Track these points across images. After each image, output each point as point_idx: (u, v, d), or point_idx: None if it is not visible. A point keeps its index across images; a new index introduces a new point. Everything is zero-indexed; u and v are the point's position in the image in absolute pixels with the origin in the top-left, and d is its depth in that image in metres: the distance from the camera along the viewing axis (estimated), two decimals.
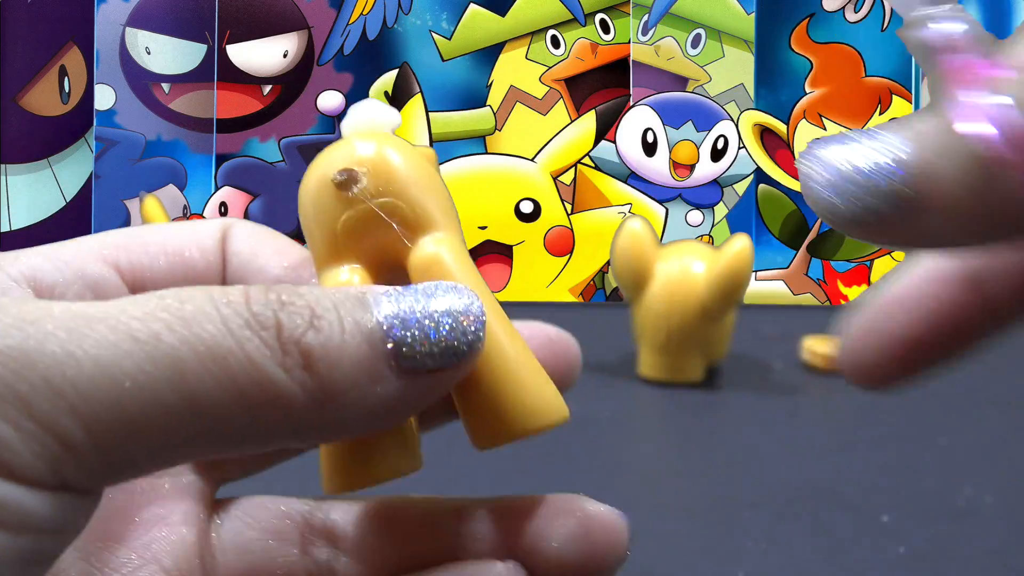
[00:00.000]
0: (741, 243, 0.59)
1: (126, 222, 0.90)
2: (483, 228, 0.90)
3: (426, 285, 0.19)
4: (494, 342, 0.20)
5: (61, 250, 0.21)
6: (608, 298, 0.90)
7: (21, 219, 0.92)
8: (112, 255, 0.22)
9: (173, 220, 0.80)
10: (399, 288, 0.18)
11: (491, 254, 0.90)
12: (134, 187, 0.90)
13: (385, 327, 0.17)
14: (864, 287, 0.91)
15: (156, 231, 0.23)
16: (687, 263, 0.61)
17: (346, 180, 0.21)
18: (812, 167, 0.17)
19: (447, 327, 0.18)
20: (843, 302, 0.91)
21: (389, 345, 0.17)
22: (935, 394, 0.62)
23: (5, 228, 0.92)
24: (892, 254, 0.92)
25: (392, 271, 0.21)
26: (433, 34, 0.91)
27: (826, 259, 0.91)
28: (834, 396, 0.62)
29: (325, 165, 0.21)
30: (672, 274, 0.61)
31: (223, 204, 0.91)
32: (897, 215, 0.17)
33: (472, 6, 0.91)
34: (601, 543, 0.22)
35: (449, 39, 0.91)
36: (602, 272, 0.90)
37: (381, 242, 0.21)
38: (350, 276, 0.21)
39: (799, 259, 0.91)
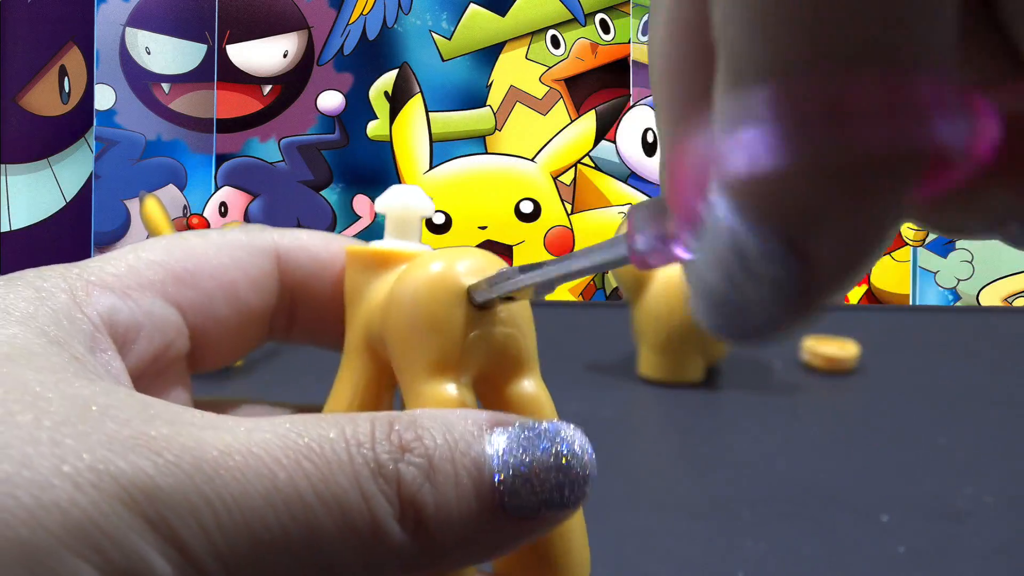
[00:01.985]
0: None
1: (126, 222, 0.90)
2: (483, 228, 0.90)
3: (541, 426, 0.18)
4: None
5: (131, 284, 0.21)
6: (608, 298, 0.90)
7: (21, 219, 0.92)
8: (174, 294, 0.22)
9: (173, 220, 0.80)
10: (514, 422, 0.18)
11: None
12: (134, 187, 0.90)
13: (496, 478, 0.18)
14: (864, 287, 0.92)
15: (207, 256, 0.22)
16: None
17: (489, 302, 0.21)
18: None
19: (558, 479, 0.18)
20: (843, 302, 0.91)
21: (500, 497, 0.18)
22: (935, 394, 0.62)
23: (5, 228, 0.92)
24: (892, 254, 0.92)
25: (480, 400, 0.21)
26: (433, 34, 0.91)
27: None
28: (834, 396, 0.62)
29: (453, 275, 0.21)
30: (672, 274, 0.61)
31: (223, 204, 0.91)
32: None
33: (472, 6, 0.91)
34: None
35: (449, 39, 0.91)
36: (602, 272, 0.90)
37: (484, 372, 0.21)
38: (460, 394, 0.20)
39: None
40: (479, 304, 0.21)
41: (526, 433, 0.18)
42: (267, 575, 0.17)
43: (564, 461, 0.18)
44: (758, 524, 0.44)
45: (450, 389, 0.20)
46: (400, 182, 0.91)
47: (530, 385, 0.22)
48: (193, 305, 0.22)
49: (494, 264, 0.21)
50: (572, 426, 0.19)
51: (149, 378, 0.22)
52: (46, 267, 0.21)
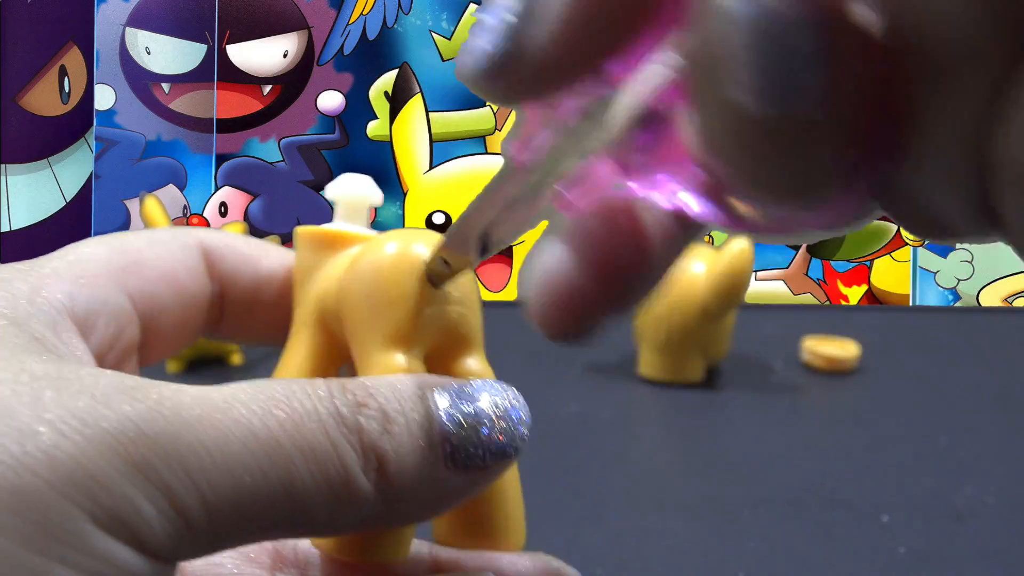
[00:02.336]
0: (741, 243, 0.59)
1: (126, 222, 0.90)
2: None
3: (476, 383, 0.20)
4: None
5: (82, 274, 0.22)
6: None
7: (21, 219, 0.92)
8: (123, 283, 0.22)
9: (173, 220, 0.80)
10: (452, 383, 0.20)
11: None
12: (134, 187, 0.90)
13: (444, 429, 0.19)
14: (864, 287, 0.92)
15: (144, 249, 0.23)
16: (687, 263, 0.61)
17: (442, 277, 0.22)
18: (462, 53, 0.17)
19: (499, 429, 0.20)
20: (843, 302, 0.91)
21: (448, 447, 0.19)
22: (935, 394, 0.62)
23: (5, 228, 0.92)
24: (892, 254, 0.92)
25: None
26: (433, 34, 0.91)
27: (826, 259, 0.91)
28: (834, 396, 0.62)
29: (412, 253, 0.22)
30: (672, 274, 0.61)
31: (223, 204, 0.91)
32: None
33: (472, 6, 0.91)
34: None
35: (449, 39, 0.91)
36: None
37: (436, 346, 0.22)
38: (410, 364, 0.21)
39: (799, 259, 0.91)
40: (433, 282, 0.22)
41: (465, 390, 0.20)
42: (246, 521, 0.17)
43: (501, 413, 0.20)
44: (758, 524, 0.44)
45: (401, 359, 0.21)
46: (400, 182, 0.91)
47: (475, 362, 0.22)
48: (141, 293, 0.23)
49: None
50: (503, 383, 0.20)
51: (108, 365, 0.22)
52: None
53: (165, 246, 0.23)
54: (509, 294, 0.90)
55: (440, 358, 0.22)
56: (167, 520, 0.16)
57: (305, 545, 0.23)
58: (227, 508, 0.17)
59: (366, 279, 0.22)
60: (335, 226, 0.24)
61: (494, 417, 0.20)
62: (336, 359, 0.23)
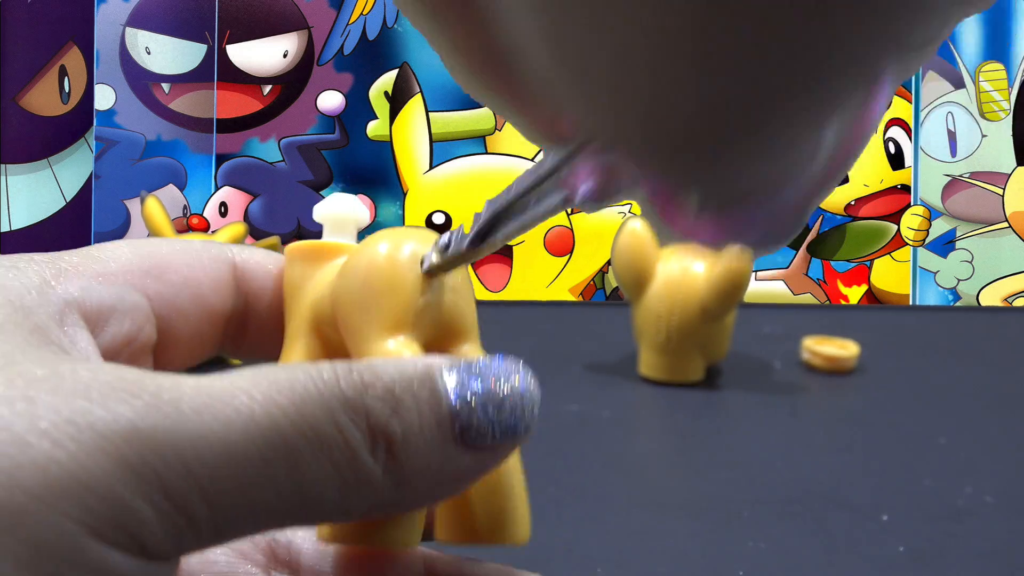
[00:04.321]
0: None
1: (126, 222, 0.90)
2: None
3: (484, 362, 0.20)
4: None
5: (102, 271, 0.22)
6: (608, 298, 0.90)
7: (21, 219, 0.92)
8: (142, 284, 0.22)
9: (173, 220, 0.80)
10: (460, 361, 0.19)
11: (491, 254, 0.90)
12: (134, 187, 0.90)
13: (453, 409, 0.19)
14: (864, 287, 0.92)
15: (170, 255, 0.23)
16: (687, 263, 0.61)
17: (437, 268, 0.22)
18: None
19: (508, 407, 0.19)
20: (843, 302, 0.91)
21: (458, 426, 0.19)
22: (935, 394, 0.62)
23: (5, 228, 0.92)
24: (892, 254, 0.92)
25: None
26: None
27: (826, 259, 0.91)
28: (834, 396, 0.62)
29: (406, 246, 0.22)
30: (672, 274, 0.61)
31: (223, 204, 0.91)
32: None
33: None
34: None
35: None
36: (602, 272, 0.90)
37: (433, 335, 0.22)
38: (410, 350, 0.21)
39: (799, 259, 0.91)
40: (428, 271, 0.22)
41: (473, 368, 0.19)
42: (251, 511, 0.17)
43: (510, 389, 0.19)
44: (758, 524, 0.44)
45: (400, 346, 0.21)
46: (400, 182, 0.91)
47: (472, 349, 0.23)
48: (160, 296, 0.22)
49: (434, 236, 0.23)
50: (511, 358, 0.20)
51: (120, 362, 0.22)
52: (16, 255, 0.21)
53: (193, 256, 0.23)
54: (509, 294, 0.90)
55: (436, 348, 0.22)
56: (167, 519, 0.16)
57: (299, 543, 0.23)
58: (230, 499, 0.17)
59: (361, 272, 0.22)
60: (323, 240, 0.24)
61: (503, 394, 0.19)
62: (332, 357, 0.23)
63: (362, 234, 0.24)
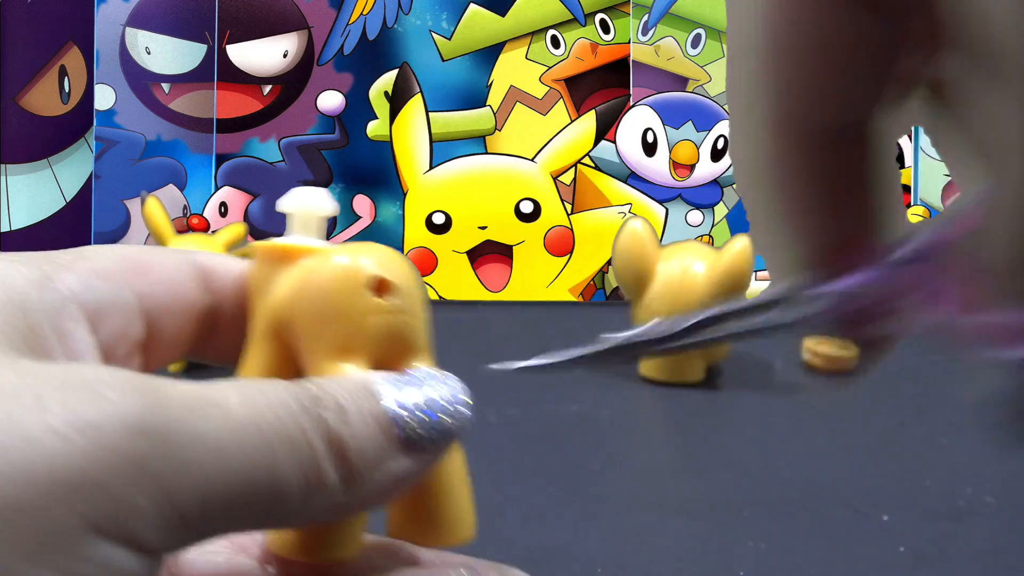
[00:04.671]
0: (742, 243, 0.59)
1: (126, 222, 0.90)
2: (483, 228, 0.90)
3: (418, 374, 0.22)
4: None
5: (97, 269, 0.22)
6: (608, 298, 0.90)
7: (21, 219, 0.93)
8: (132, 282, 0.23)
9: (173, 220, 0.80)
10: (395, 375, 0.22)
11: (491, 254, 0.90)
12: (134, 187, 0.90)
13: (392, 415, 0.21)
14: None
15: (150, 256, 0.24)
16: (688, 263, 0.61)
17: (381, 287, 0.23)
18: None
19: (441, 410, 0.21)
20: None
21: (399, 431, 0.21)
22: (935, 394, 0.62)
23: (5, 228, 0.92)
24: None
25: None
26: (433, 34, 0.91)
27: None
28: (834, 396, 0.62)
29: (354, 267, 0.23)
30: (673, 274, 0.61)
31: (223, 204, 0.91)
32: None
33: (472, 6, 0.91)
34: None
35: (449, 39, 0.91)
36: (602, 272, 0.90)
37: (382, 353, 0.23)
38: (353, 369, 0.22)
39: None
40: (377, 291, 0.23)
41: (406, 378, 0.22)
42: (235, 511, 0.18)
43: (443, 395, 0.22)
44: (758, 524, 0.44)
45: (350, 368, 0.22)
46: (400, 182, 0.91)
47: (422, 364, 0.23)
48: (146, 294, 0.23)
49: (393, 259, 0.23)
50: (441, 370, 0.22)
51: (116, 361, 0.23)
52: (17, 253, 0.22)
53: (167, 256, 0.24)
54: (509, 294, 0.90)
55: (387, 365, 0.23)
56: (162, 515, 0.17)
57: None
58: (219, 498, 0.17)
59: (313, 293, 0.23)
60: (289, 240, 0.25)
61: (437, 399, 0.21)
62: (290, 369, 0.24)
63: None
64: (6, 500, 0.15)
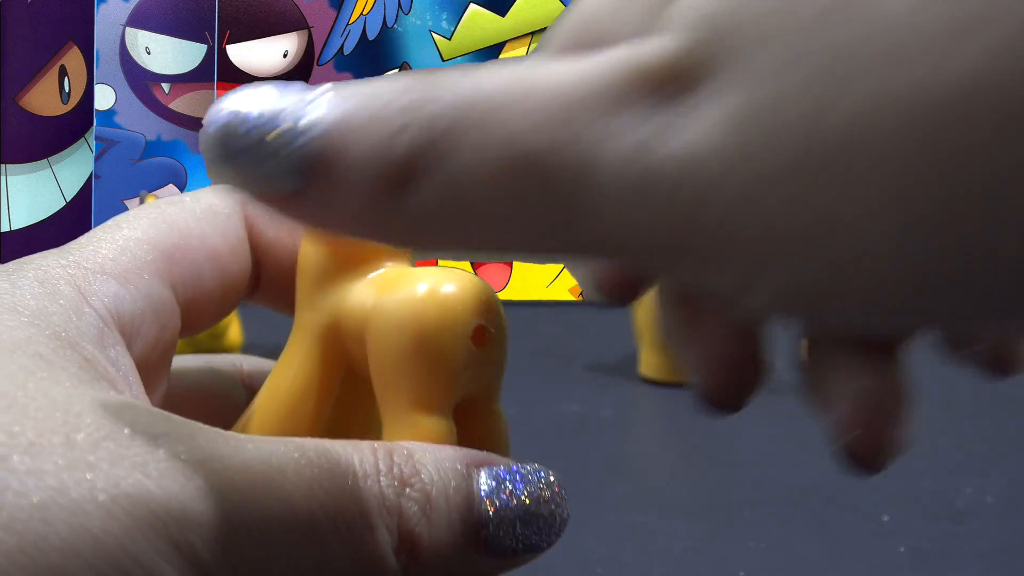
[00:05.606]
0: None
1: None
2: None
3: (522, 470, 0.19)
4: None
5: (127, 268, 0.21)
6: None
7: (21, 219, 0.93)
8: (166, 271, 0.22)
9: None
10: (498, 464, 0.19)
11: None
12: (134, 187, 0.90)
13: (485, 517, 0.19)
14: None
15: (189, 227, 0.22)
16: None
17: (483, 339, 0.21)
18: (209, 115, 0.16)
19: (536, 522, 0.19)
20: None
21: (484, 533, 0.19)
22: (935, 394, 0.62)
23: (5, 228, 0.92)
24: None
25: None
26: (433, 34, 0.91)
27: None
28: None
29: (462, 313, 0.20)
30: None
31: None
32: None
33: (472, 6, 0.91)
34: None
35: (449, 39, 0.91)
36: None
37: (464, 399, 0.21)
38: (448, 426, 0.21)
39: None
40: (478, 341, 0.21)
41: (511, 475, 0.19)
42: None
43: (543, 503, 0.19)
44: (758, 524, 0.44)
45: (438, 423, 0.21)
46: None
47: (495, 410, 0.22)
48: (183, 280, 0.22)
49: (490, 298, 0.21)
50: (549, 471, 0.20)
51: (151, 367, 0.22)
52: (40, 255, 0.21)
53: (211, 220, 0.23)
54: (509, 294, 0.90)
55: (464, 407, 0.21)
56: None
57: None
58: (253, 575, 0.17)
59: (407, 337, 0.20)
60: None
61: (534, 510, 0.19)
62: (339, 369, 0.22)
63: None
64: (50, 567, 0.15)
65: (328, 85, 0.15)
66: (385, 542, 0.18)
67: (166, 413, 0.18)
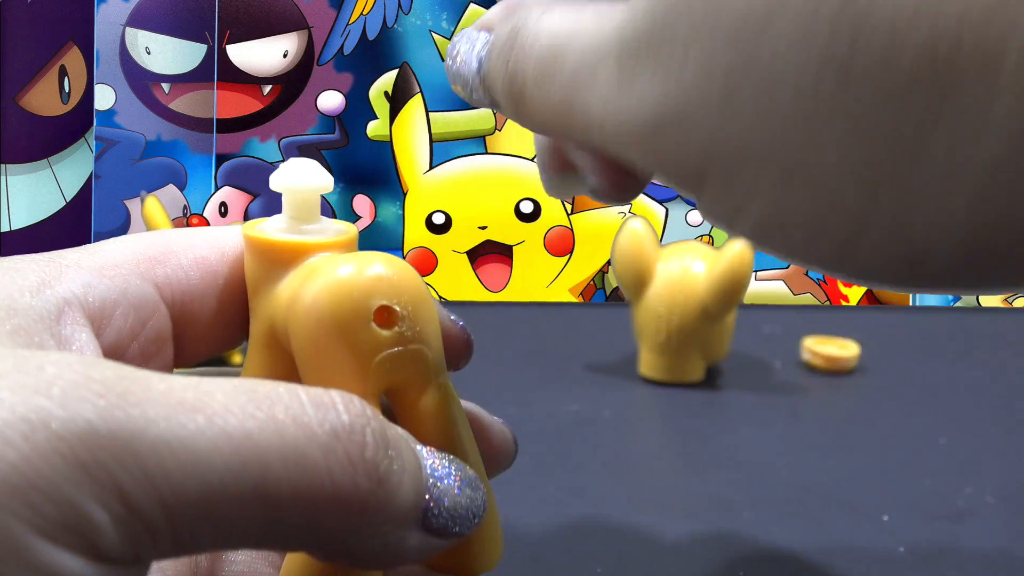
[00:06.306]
0: (741, 243, 0.59)
1: (126, 222, 0.90)
2: (483, 228, 0.90)
3: (453, 468, 0.20)
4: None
5: (104, 264, 0.21)
6: (608, 298, 0.90)
7: (21, 219, 0.93)
8: (150, 271, 0.22)
9: (173, 220, 0.80)
10: (437, 462, 0.20)
11: (491, 254, 0.90)
12: (134, 187, 0.90)
13: (428, 485, 0.20)
14: (864, 287, 0.92)
15: (177, 238, 0.23)
16: (688, 263, 0.61)
17: (389, 320, 0.20)
18: (448, 55, 0.25)
19: (463, 508, 0.20)
20: (843, 302, 0.91)
21: (424, 509, 0.19)
22: (935, 394, 0.62)
23: (5, 228, 0.92)
24: None
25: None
26: (433, 34, 0.91)
27: None
28: (834, 396, 0.62)
29: (358, 295, 0.20)
30: (673, 274, 0.61)
31: (223, 204, 0.91)
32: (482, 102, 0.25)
33: (472, 6, 0.91)
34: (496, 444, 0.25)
35: (449, 39, 0.91)
36: (602, 272, 0.90)
37: (395, 382, 0.21)
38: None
39: None
40: (384, 323, 0.20)
41: (447, 476, 0.20)
42: (214, 526, 0.17)
43: (472, 499, 0.20)
44: (758, 524, 0.44)
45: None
46: (400, 182, 0.91)
47: (435, 393, 0.21)
48: (170, 282, 0.22)
49: (399, 274, 0.21)
50: (457, 462, 0.21)
51: (133, 359, 0.22)
52: (20, 255, 0.21)
53: (197, 235, 0.23)
54: (509, 294, 0.90)
55: (400, 392, 0.21)
56: (123, 525, 0.16)
57: None
58: (192, 511, 0.16)
59: (311, 327, 0.20)
60: (284, 232, 0.22)
61: (462, 502, 0.20)
62: (286, 371, 0.22)
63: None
64: None
65: (482, 33, 0.25)
66: (343, 469, 0.18)
67: (102, 359, 0.18)
